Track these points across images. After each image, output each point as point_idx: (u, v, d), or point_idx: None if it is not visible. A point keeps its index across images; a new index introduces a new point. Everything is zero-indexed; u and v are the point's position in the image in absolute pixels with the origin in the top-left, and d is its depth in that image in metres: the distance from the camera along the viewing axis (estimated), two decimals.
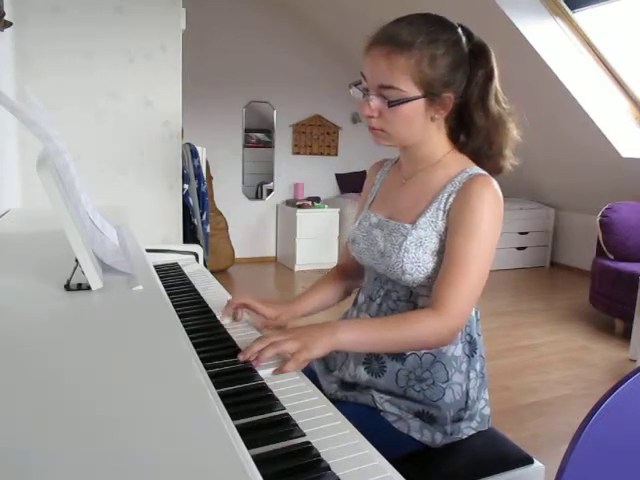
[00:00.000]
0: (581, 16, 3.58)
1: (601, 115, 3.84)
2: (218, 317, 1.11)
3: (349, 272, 1.24)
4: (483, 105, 0.99)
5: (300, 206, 4.92)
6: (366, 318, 1.08)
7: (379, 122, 0.98)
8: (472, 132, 1.02)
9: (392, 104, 0.94)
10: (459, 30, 0.98)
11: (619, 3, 3.40)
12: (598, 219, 3.60)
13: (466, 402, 1.02)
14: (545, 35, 3.58)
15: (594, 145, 4.04)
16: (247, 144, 5.15)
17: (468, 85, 0.98)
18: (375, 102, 0.96)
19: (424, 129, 0.99)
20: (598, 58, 3.75)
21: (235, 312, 1.12)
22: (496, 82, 1.00)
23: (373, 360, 1.02)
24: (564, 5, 3.55)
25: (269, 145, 5.25)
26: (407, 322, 0.92)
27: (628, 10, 3.46)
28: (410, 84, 0.93)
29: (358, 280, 1.23)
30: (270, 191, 5.32)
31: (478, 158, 1.03)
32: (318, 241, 4.93)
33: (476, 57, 0.98)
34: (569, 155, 4.38)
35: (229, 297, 1.25)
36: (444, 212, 0.98)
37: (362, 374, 1.03)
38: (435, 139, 1.02)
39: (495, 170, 1.03)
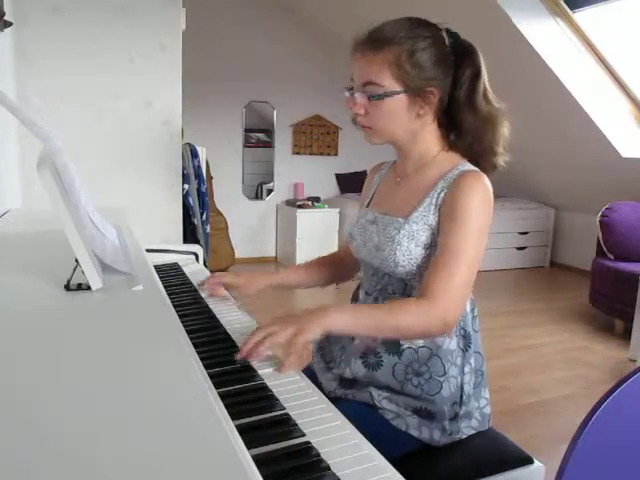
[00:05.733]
0: (581, 16, 3.58)
1: (601, 115, 3.84)
2: (203, 295, 1.25)
3: (343, 262, 1.31)
4: (471, 104, 1.01)
5: (300, 206, 4.92)
6: (358, 304, 1.14)
7: (365, 119, 1.03)
8: (461, 131, 1.04)
9: (373, 98, 0.99)
10: (442, 32, 1.01)
11: (619, 3, 3.40)
12: (598, 219, 3.60)
13: (461, 396, 1.02)
14: (545, 35, 3.58)
15: (594, 145, 4.03)
16: (247, 144, 5.15)
17: (455, 85, 1.01)
18: (359, 99, 1.01)
19: (410, 126, 1.03)
20: (598, 58, 3.75)
21: (213, 289, 1.26)
22: (484, 81, 1.02)
23: (370, 354, 1.03)
24: (564, 5, 3.55)
25: (269, 145, 5.25)
26: (398, 308, 0.94)
27: (628, 10, 3.46)
28: (389, 79, 0.98)
29: (350, 271, 1.31)
30: (270, 191, 5.32)
31: (470, 156, 1.06)
32: (318, 241, 4.92)
33: (462, 57, 1.01)
34: (569, 155, 4.37)
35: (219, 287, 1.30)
36: (436, 207, 1.01)
37: (359, 368, 1.03)
38: (427, 138, 1.05)
39: (488, 168, 1.05)
